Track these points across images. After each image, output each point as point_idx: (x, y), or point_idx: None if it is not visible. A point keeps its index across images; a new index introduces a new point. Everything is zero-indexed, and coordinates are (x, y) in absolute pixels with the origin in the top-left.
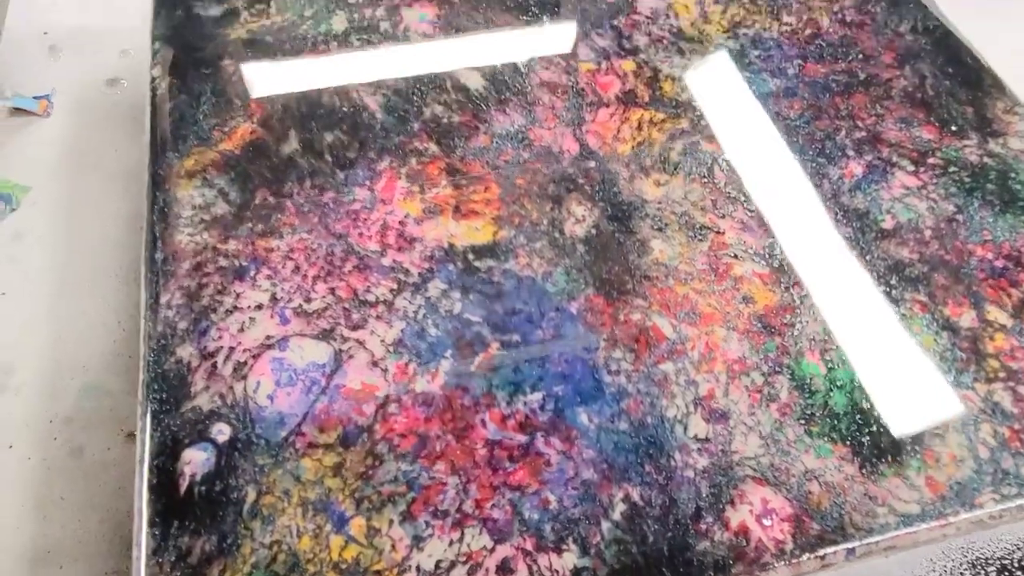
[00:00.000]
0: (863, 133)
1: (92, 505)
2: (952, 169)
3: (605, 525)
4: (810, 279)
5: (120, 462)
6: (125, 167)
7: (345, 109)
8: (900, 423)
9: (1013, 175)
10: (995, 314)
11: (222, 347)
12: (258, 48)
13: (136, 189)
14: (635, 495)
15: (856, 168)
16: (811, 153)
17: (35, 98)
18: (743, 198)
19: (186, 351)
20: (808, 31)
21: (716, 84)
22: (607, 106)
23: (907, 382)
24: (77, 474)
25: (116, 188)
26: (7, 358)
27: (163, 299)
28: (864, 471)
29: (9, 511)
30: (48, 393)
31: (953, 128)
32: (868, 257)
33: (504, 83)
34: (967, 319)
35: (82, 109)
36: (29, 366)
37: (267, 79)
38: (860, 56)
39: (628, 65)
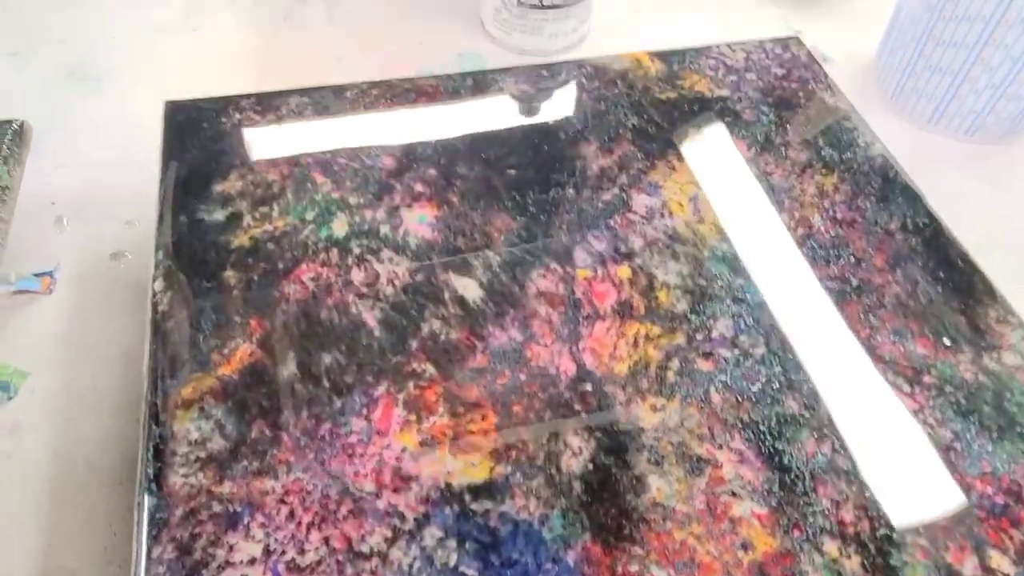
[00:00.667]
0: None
1: None
2: (948, 389)
3: None
4: (809, 522)
5: None
6: (125, 349)
7: (343, 325)
8: None
9: (1008, 395)
10: (997, 560)
11: None
12: (260, 257)
13: (134, 376)
14: None
15: None
16: (805, 371)
17: (37, 275)
18: (739, 425)
19: None
20: (800, 231)
21: (709, 293)
22: (603, 319)
23: None
24: None
25: (115, 373)
26: None
27: (155, 553)
28: None
29: None
30: None
31: (946, 342)
32: (868, 493)
33: (501, 294)
34: (969, 567)
35: (85, 284)
36: (15, 566)
37: (268, 293)
38: (852, 259)
39: (624, 272)
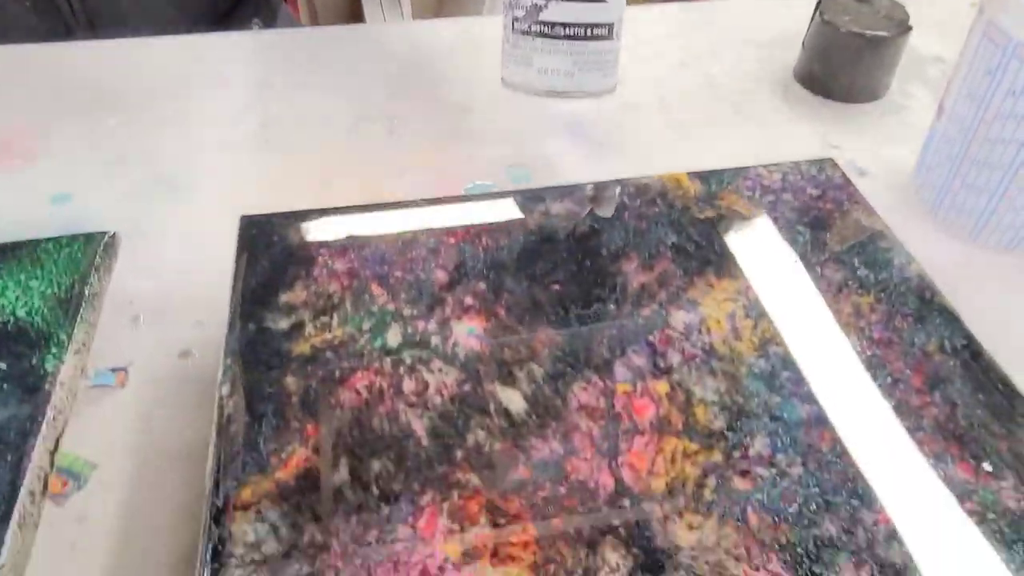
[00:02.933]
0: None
1: None
2: (991, 516)
3: None
4: None
5: None
6: (189, 447)
7: (394, 434)
8: None
9: None
10: None
11: None
12: (318, 365)
13: (194, 472)
14: None
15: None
16: (844, 493)
17: (113, 370)
18: (776, 546)
19: None
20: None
21: (745, 411)
22: (642, 434)
23: None
24: None
25: (178, 470)
26: None
27: None
28: None
29: None
30: None
31: (988, 467)
32: None
33: (544, 407)
34: None
35: (155, 381)
36: None
37: (324, 400)
38: (889, 379)
39: (662, 387)
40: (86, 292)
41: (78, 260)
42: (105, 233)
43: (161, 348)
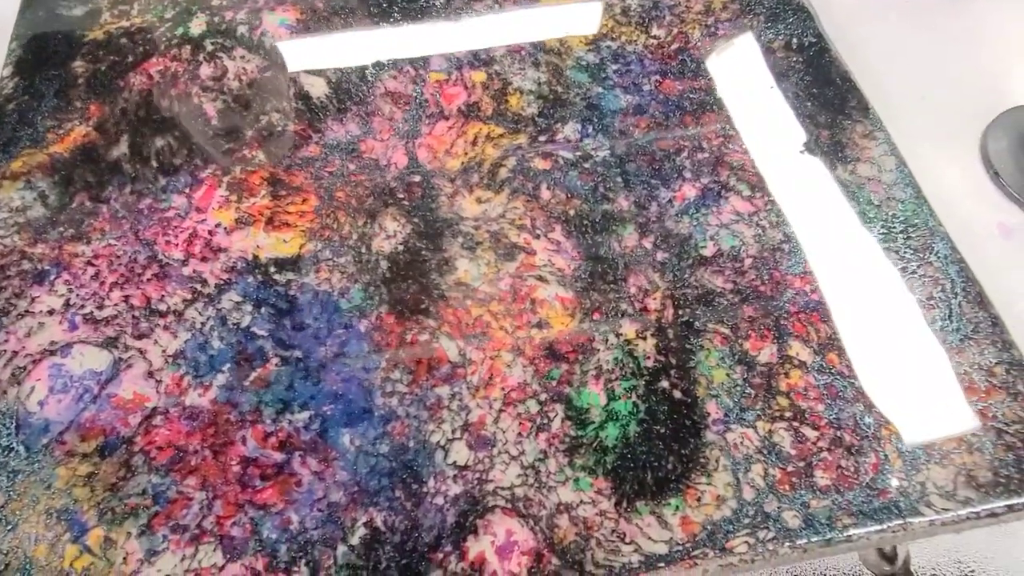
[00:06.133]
0: (706, 155)
1: None
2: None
3: (341, 549)
4: (610, 305)
5: None
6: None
7: (182, 114)
8: (668, 458)
9: (854, 204)
10: (797, 349)
11: (5, 351)
12: (111, 51)
13: None
14: (379, 520)
15: (689, 191)
16: (646, 174)
17: None
18: (563, 219)
19: None
20: (676, 45)
21: (565, 99)
22: (446, 119)
23: (685, 417)
24: None
25: None
26: None
27: None
28: (620, 507)
29: None
30: None
31: (801, 150)
32: (680, 284)
33: (347, 92)
34: (766, 354)
35: None
36: None
37: (112, 82)
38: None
39: (478, 76)
40: None
41: None
42: None
43: None
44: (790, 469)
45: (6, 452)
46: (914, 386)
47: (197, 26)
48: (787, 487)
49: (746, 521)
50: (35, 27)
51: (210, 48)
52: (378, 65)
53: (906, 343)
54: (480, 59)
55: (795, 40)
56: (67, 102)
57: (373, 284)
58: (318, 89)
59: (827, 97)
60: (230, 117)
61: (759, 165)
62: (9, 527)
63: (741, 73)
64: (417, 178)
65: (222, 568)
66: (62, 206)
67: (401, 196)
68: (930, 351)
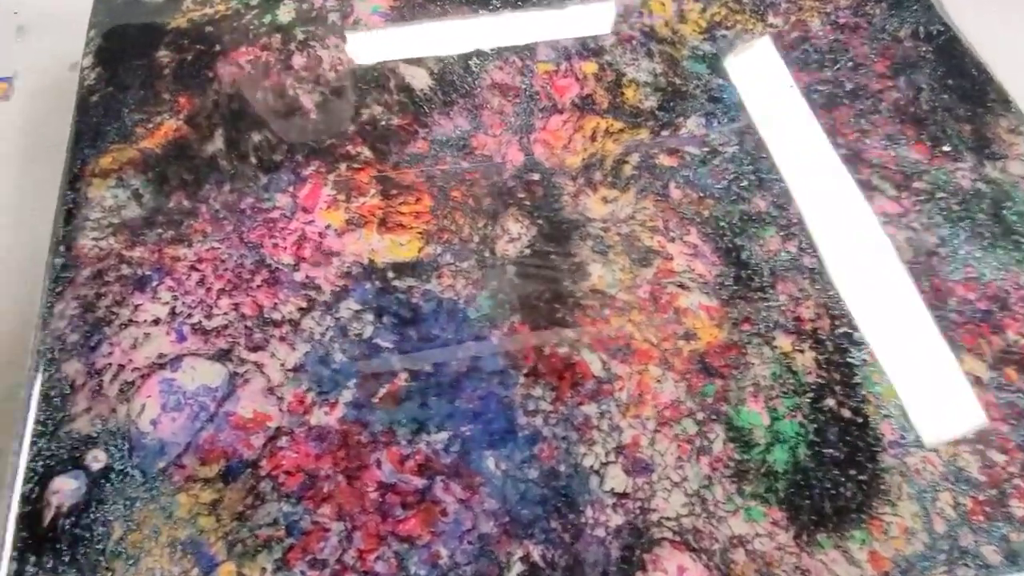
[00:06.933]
0: (843, 152)
1: None
2: (940, 195)
3: None
4: (759, 314)
5: None
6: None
7: (277, 108)
8: (845, 485)
9: (1008, 204)
10: (971, 364)
11: (111, 364)
12: (196, 40)
13: None
14: (536, 555)
15: None
16: (780, 172)
17: None
18: (698, 220)
19: (73, 367)
20: (795, 34)
21: (685, 91)
22: (560, 112)
23: (857, 438)
24: None
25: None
26: None
27: (57, 308)
28: (799, 541)
29: None
30: None
31: (946, 148)
32: (833, 292)
33: (452, 84)
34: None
35: (43, 94)
36: None
37: (200, 73)
38: (850, 64)
39: (589, 67)
40: None
41: None
42: None
43: (49, 60)
44: (982, 498)
45: (121, 477)
46: None
47: (285, 13)
48: (981, 518)
49: (941, 557)
50: (113, 15)
51: (301, 37)
52: (481, 55)
53: None
54: (589, 49)
55: (922, 29)
56: (154, 94)
57: (501, 291)
58: (420, 80)
59: (964, 89)
60: (330, 110)
61: (902, 163)
62: (131, 562)
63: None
64: (536, 176)
65: None
66: (158, 206)
67: (521, 195)
68: None
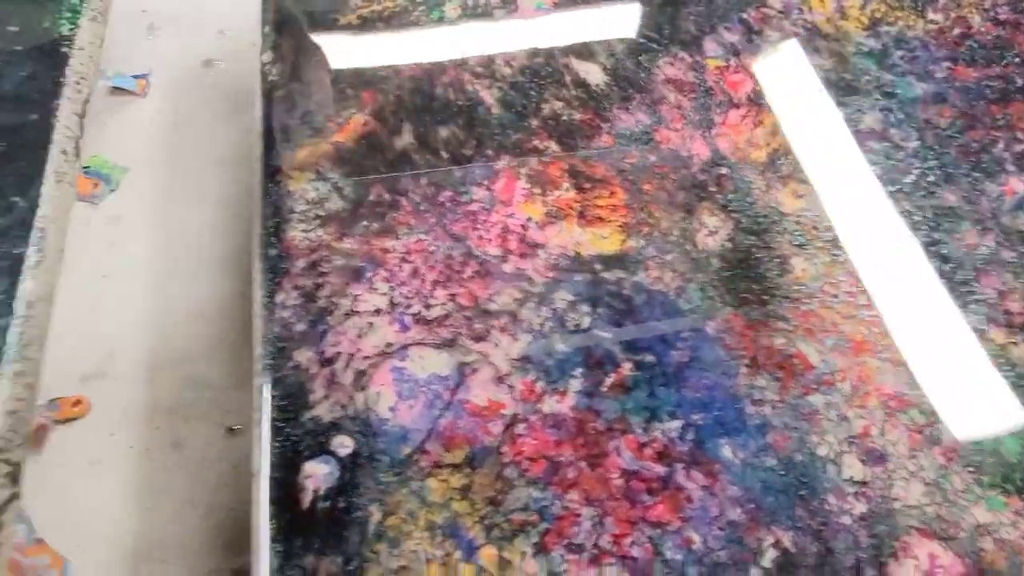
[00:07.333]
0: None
1: (193, 500)
2: None
3: (754, 572)
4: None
5: (221, 457)
6: (222, 152)
7: (459, 103)
8: None
9: None
10: None
11: (341, 353)
12: (369, 35)
13: (232, 175)
14: (787, 541)
15: (1018, 185)
16: (965, 167)
17: (134, 77)
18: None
19: (304, 356)
20: (957, 30)
21: (856, 86)
22: (737, 107)
23: None
24: (178, 467)
25: (214, 173)
26: (108, 345)
27: (278, 298)
28: None
29: (113, 501)
30: (148, 381)
31: None
32: None
33: (626, 79)
34: None
35: (179, 90)
36: (129, 353)
37: (378, 68)
38: (1017, 59)
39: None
40: None
41: None
42: None
43: (182, 57)
44: None
45: (370, 463)
46: None
47: (452, 9)
48: None
49: None
50: (283, 12)
51: (469, 32)
52: (649, 50)
53: None
54: (754, 45)
55: None
56: (338, 90)
57: (710, 284)
58: (594, 76)
59: None
60: (510, 105)
61: None
62: (393, 545)
63: None
64: (724, 170)
65: None
66: (359, 198)
67: (713, 189)
68: None
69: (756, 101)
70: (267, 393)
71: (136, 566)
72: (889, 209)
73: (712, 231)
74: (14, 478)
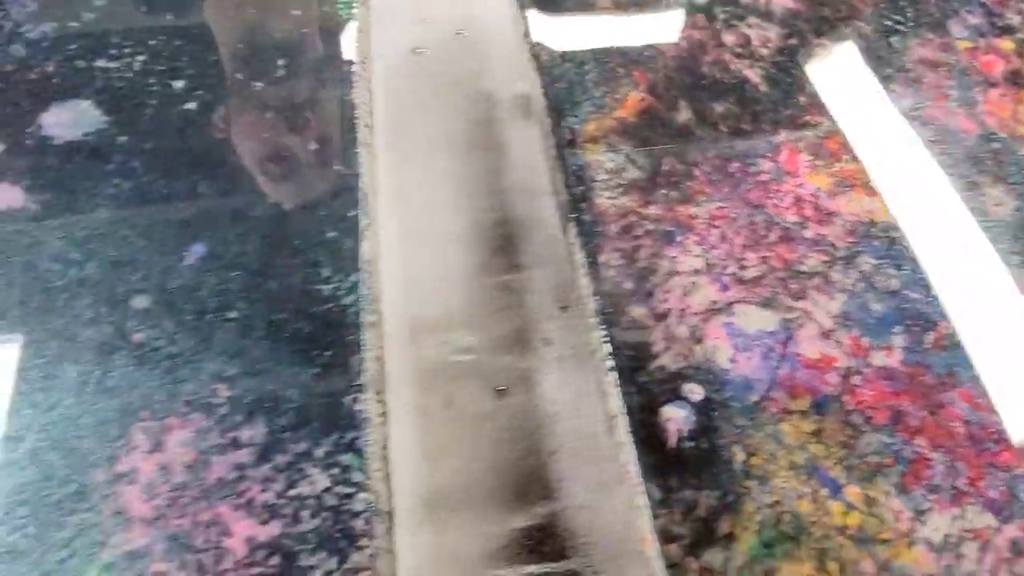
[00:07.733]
0: None
1: (474, 455)
2: None
3: None
4: None
5: (493, 416)
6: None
7: (726, 81)
8: None
9: None
10: None
11: (671, 309)
12: (629, 15)
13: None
14: None
15: None
16: None
17: None
18: None
19: (638, 311)
20: None
21: None
22: (995, 86)
23: None
24: (453, 424)
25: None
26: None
27: (601, 258)
28: None
29: (398, 452)
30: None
31: None
32: None
33: (882, 59)
34: None
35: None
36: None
37: (642, 49)
38: None
39: (1006, 44)
40: None
41: None
42: None
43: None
44: None
45: (723, 408)
46: None
47: None
48: None
49: None
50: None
51: (723, 16)
52: (899, 32)
53: None
54: (997, 27)
55: None
56: (609, 69)
57: (1011, 251)
58: (850, 55)
59: None
60: (776, 83)
61: None
62: (762, 482)
63: None
64: (997, 145)
65: (998, 530)
66: (653, 169)
67: (990, 164)
68: None
69: (1013, 81)
70: (611, 344)
71: (431, 513)
72: None
73: (999, 203)
74: None
